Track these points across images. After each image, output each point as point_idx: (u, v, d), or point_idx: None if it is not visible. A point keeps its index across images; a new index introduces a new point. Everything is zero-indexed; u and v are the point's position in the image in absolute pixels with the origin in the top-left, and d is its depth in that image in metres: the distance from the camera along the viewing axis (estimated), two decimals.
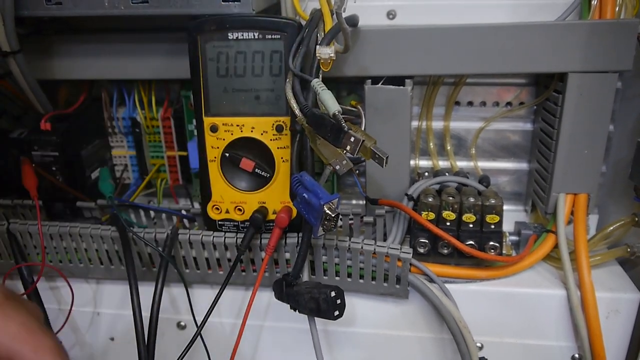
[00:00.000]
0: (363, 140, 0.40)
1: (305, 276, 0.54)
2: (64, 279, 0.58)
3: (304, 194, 0.43)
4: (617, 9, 0.51)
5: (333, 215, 0.41)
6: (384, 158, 0.40)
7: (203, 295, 0.58)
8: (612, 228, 0.56)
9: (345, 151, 0.42)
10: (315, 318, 0.50)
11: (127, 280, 0.53)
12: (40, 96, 0.56)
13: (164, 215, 0.62)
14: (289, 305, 0.50)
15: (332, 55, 0.44)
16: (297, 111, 0.44)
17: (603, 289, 0.53)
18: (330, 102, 0.42)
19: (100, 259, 0.58)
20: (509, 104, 0.62)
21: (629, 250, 0.55)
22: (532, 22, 0.51)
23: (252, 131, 0.50)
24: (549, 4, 0.56)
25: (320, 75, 0.46)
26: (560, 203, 0.56)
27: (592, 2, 0.52)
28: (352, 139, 0.40)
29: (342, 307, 0.47)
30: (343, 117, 0.56)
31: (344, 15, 0.42)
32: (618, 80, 0.54)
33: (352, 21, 0.50)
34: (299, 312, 0.49)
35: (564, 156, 0.54)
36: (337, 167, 0.42)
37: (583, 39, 0.50)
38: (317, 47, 0.44)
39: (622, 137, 0.60)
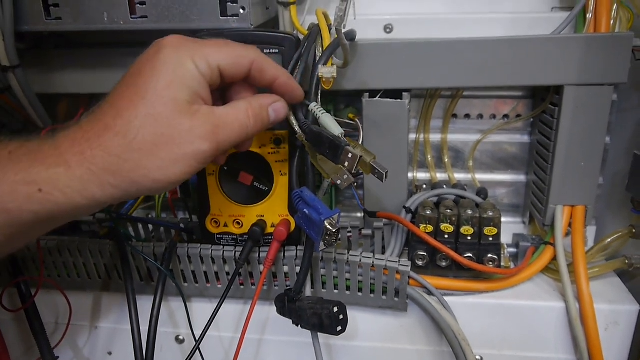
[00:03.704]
0: (361, 157, 0.40)
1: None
2: (62, 293, 0.58)
3: (305, 210, 0.43)
4: (611, 22, 0.52)
5: (334, 231, 0.42)
6: (384, 173, 0.40)
7: (202, 309, 0.58)
8: (610, 240, 0.56)
9: (344, 167, 0.42)
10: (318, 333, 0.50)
11: (125, 294, 0.53)
12: (40, 110, 0.56)
13: (162, 228, 0.62)
14: (291, 321, 0.50)
15: (334, 74, 0.44)
16: (296, 128, 0.44)
17: (602, 300, 0.53)
18: (332, 126, 0.42)
19: (99, 272, 0.58)
20: (506, 116, 0.62)
21: (627, 262, 0.55)
22: (528, 36, 0.51)
23: None
24: (545, 17, 0.57)
25: (319, 93, 0.46)
26: (557, 215, 0.56)
27: (587, 16, 0.53)
28: (350, 155, 0.40)
29: (344, 323, 0.48)
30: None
31: (343, 29, 0.43)
32: (614, 93, 0.55)
33: (350, 35, 0.50)
34: (301, 327, 0.49)
35: (561, 168, 0.55)
36: (339, 182, 0.42)
37: (579, 52, 0.50)
38: (319, 67, 0.44)
39: (619, 149, 0.60)
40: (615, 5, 0.52)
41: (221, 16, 0.48)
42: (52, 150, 0.34)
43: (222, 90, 0.42)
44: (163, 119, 0.35)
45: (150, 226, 0.63)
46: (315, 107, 0.44)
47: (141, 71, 0.36)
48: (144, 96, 0.35)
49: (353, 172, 0.41)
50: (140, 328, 0.51)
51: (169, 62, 0.36)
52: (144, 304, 0.53)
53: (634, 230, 0.55)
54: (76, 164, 0.34)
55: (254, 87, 0.42)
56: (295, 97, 0.43)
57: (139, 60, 0.37)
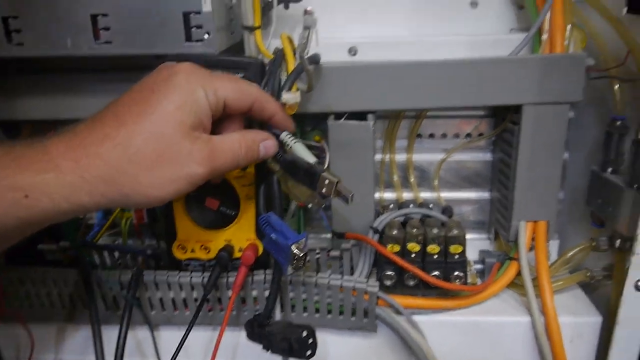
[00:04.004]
0: (338, 182, 0.41)
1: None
2: (24, 325, 0.56)
3: (272, 235, 0.43)
4: (566, 42, 0.54)
5: (301, 255, 0.42)
6: (349, 196, 0.41)
7: (170, 337, 0.57)
8: (571, 253, 0.57)
9: (320, 193, 0.42)
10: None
11: (90, 324, 0.52)
12: (1, 138, 0.55)
13: (128, 255, 0.61)
14: (261, 346, 0.50)
15: (297, 100, 0.45)
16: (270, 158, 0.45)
17: (566, 313, 0.54)
18: (305, 155, 0.44)
19: (63, 302, 0.56)
20: (468, 135, 0.64)
21: (588, 274, 0.57)
22: (487, 57, 0.53)
23: None
24: (503, 39, 0.58)
25: None
26: (521, 231, 0.57)
27: (543, 37, 0.54)
28: (327, 181, 0.41)
29: (314, 347, 0.48)
30: None
31: (306, 54, 0.44)
32: (570, 110, 0.56)
33: (314, 59, 0.51)
34: (271, 352, 0.49)
35: (522, 185, 0.56)
36: (310, 206, 0.43)
37: (536, 72, 0.52)
38: (282, 93, 0.45)
39: (578, 164, 0.62)
40: (569, 26, 0.54)
41: (186, 41, 0.48)
42: (41, 155, 0.34)
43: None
44: (166, 138, 0.36)
45: (117, 253, 0.62)
46: (286, 136, 0.44)
47: (153, 90, 0.37)
48: (153, 112, 0.36)
49: (332, 197, 0.42)
50: (106, 359, 0.50)
51: (182, 87, 0.37)
52: (111, 334, 0.52)
53: (594, 244, 0.56)
54: (68, 170, 0.34)
55: (243, 121, 0.44)
56: (288, 129, 0.46)
57: (148, 80, 0.39)
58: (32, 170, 0.34)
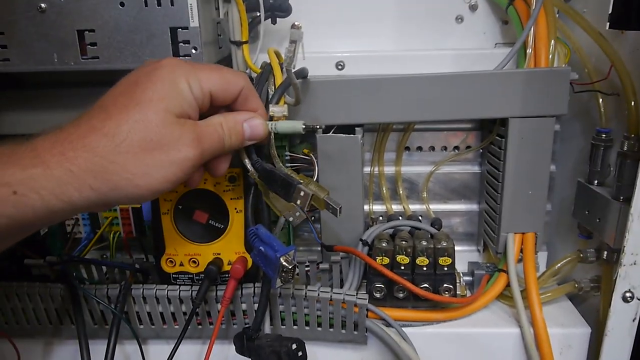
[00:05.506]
0: (312, 195, 0.41)
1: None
2: (10, 341, 0.55)
3: (261, 247, 0.43)
4: (550, 57, 0.55)
5: (290, 267, 0.42)
6: (337, 209, 0.41)
7: (159, 351, 0.56)
8: (559, 265, 0.58)
9: (296, 204, 0.42)
10: None
11: (77, 339, 0.51)
12: None
13: (116, 269, 0.60)
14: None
15: (285, 113, 0.45)
16: (248, 166, 0.45)
17: (555, 325, 0.55)
18: (290, 126, 0.43)
19: (49, 318, 0.56)
20: (456, 148, 0.64)
21: (576, 285, 0.57)
22: (473, 71, 0.54)
23: (205, 183, 0.51)
24: (488, 54, 0.59)
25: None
26: (509, 242, 0.57)
27: (528, 51, 0.55)
28: (302, 193, 0.41)
29: None
30: (294, 167, 0.57)
31: (293, 68, 0.44)
32: (556, 123, 0.57)
33: (302, 74, 0.51)
34: None
35: (509, 197, 0.56)
36: (291, 219, 0.42)
37: (520, 86, 0.53)
38: (270, 106, 0.45)
39: (565, 176, 0.62)
40: (553, 41, 0.54)
41: (173, 56, 0.48)
42: (28, 152, 0.34)
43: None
44: (153, 125, 0.36)
45: (104, 267, 0.61)
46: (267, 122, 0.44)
47: (138, 82, 0.37)
48: (138, 102, 0.36)
49: (306, 209, 0.42)
50: None
51: (166, 79, 0.37)
52: (99, 348, 0.51)
53: (581, 255, 0.56)
54: (55, 164, 0.33)
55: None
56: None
57: (133, 73, 0.39)
58: (19, 166, 0.33)
